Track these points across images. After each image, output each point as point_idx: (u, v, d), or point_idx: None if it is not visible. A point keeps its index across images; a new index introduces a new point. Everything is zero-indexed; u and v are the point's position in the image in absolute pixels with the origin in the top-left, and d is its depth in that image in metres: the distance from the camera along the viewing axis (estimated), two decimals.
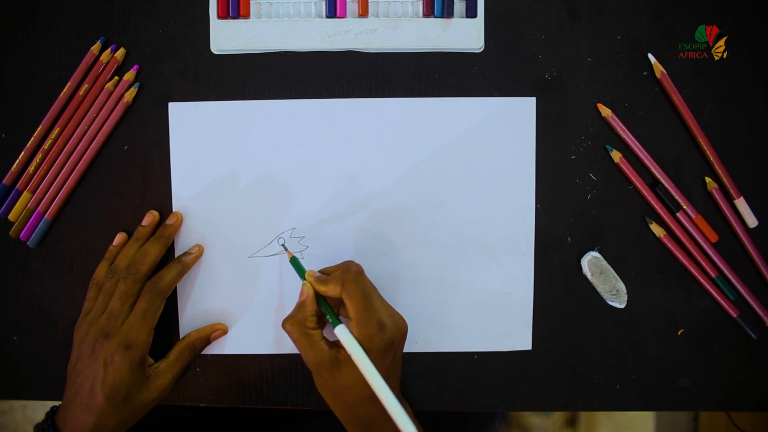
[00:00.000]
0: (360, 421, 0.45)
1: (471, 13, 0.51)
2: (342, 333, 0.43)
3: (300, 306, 0.46)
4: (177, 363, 0.49)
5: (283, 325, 0.45)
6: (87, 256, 0.53)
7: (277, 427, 0.66)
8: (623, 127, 0.51)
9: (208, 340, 0.52)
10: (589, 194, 0.52)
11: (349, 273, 0.44)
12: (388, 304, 0.46)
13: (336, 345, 0.44)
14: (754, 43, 0.52)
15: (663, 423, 1.14)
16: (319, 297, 0.46)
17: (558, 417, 1.17)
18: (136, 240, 0.51)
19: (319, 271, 0.47)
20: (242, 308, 0.53)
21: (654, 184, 0.52)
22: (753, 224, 0.52)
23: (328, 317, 0.45)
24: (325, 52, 0.52)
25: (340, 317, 0.46)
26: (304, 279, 0.47)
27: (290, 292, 0.52)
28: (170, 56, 0.52)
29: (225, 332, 0.52)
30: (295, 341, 0.45)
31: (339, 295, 0.44)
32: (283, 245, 0.52)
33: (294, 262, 0.49)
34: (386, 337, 0.43)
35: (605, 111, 0.51)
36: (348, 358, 0.43)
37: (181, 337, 0.52)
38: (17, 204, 0.52)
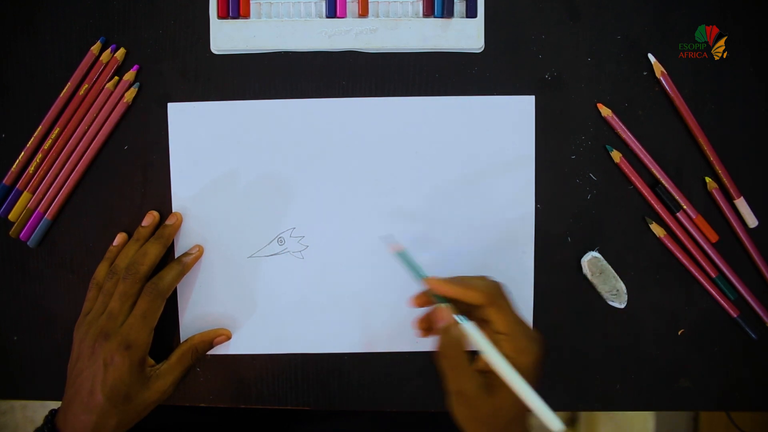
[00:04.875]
0: None
1: (471, 13, 0.51)
2: (496, 357, 0.40)
3: (447, 331, 0.41)
4: (179, 365, 0.49)
5: (437, 356, 0.41)
6: (87, 256, 0.53)
7: (277, 428, 0.66)
8: (623, 127, 0.51)
9: (210, 344, 0.52)
10: (589, 194, 0.52)
11: (496, 286, 0.42)
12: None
13: (482, 370, 0.41)
14: (754, 43, 0.52)
15: (663, 423, 1.14)
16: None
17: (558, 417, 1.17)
18: (136, 240, 0.51)
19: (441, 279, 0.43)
20: (242, 308, 0.52)
21: (654, 184, 0.52)
22: (753, 224, 0.52)
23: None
24: (325, 52, 0.52)
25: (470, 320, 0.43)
26: (424, 285, 0.43)
27: (290, 291, 0.52)
28: (170, 56, 0.52)
29: (228, 338, 0.52)
30: (449, 369, 0.41)
31: (479, 303, 0.41)
32: (383, 238, 0.48)
33: (404, 257, 0.45)
34: (536, 353, 0.41)
35: (605, 111, 0.51)
36: (501, 382, 0.40)
37: (181, 337, 0.52)
38: (17, 204, 0.52)
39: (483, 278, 0.43)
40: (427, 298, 0.45)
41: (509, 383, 0.39)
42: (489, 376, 0.41)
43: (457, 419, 0.42)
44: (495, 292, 0.42)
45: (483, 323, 0.42)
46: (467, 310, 0.43)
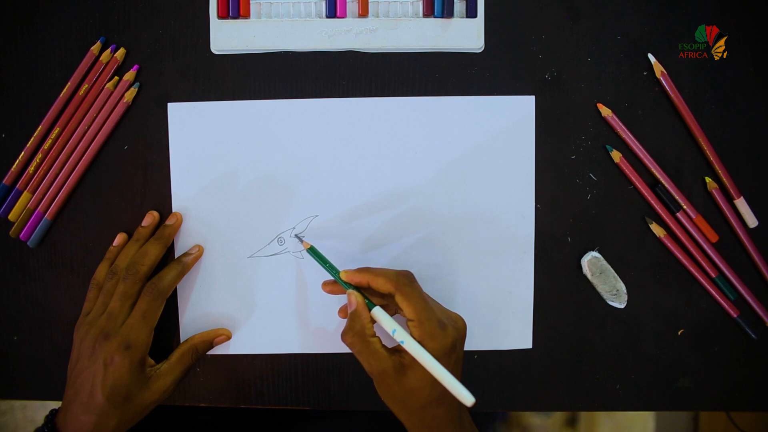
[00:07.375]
0: (426, 424, 0.44)
1: (471, 13, 0.51)
2: (403, 335, 0.42)
3: (354, 316, 0.44)
4: (179, 365, 0.49)
5: (343, 339, 0.44)
6: (87, 256, 0.53)
7: (277, 428, 0.66)
8: (623, 127, 0.51)
9: (211, 344, 0.52)
10: (589, 194, 0.52)
11: (403, 276, 0.44)
12: (442, 306, 0.46)
13: (396, 350, 0.44)
14: (754, 43, 0.52)
15: (663, 423, 1.14)
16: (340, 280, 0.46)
17: (558, 417, 1.17)
18: (136, 240, 0.51)
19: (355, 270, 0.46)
20: (242, 308, 0.53)
21: (654, 184, 0.52)
22: (753, 224, 0.52)
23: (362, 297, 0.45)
24: (325, 52, 0.52)
25: (395, 317, 0.46)
26: (338, 278, 0.46)
27: (290, 291, 0.52)
28: (170, 56, 0.52)
29: (228, 338, 0.52)
30: (357, 353, 0.44)
31: (387, 291, 0.44)
32: (297, 236, 0.51)
33: (314, 252, 0.49)
34: (449, 337, 0.42)
35: (605, 111, 0.51)
36: (412, 362, 0.42)
37: (181, 337, 0.52)
38: (17, 204, 0.52)
39: (390, 269, 0.45)
40: (338, 285, 0.48)
41: (416, 357, 0.41)
42: (403, 356, 0.43)
43: (381, 397, 0.45)
44: (402, 281, 0.44)
45: (399, 313, 0.45)
46: (384, 303, 0.47)
